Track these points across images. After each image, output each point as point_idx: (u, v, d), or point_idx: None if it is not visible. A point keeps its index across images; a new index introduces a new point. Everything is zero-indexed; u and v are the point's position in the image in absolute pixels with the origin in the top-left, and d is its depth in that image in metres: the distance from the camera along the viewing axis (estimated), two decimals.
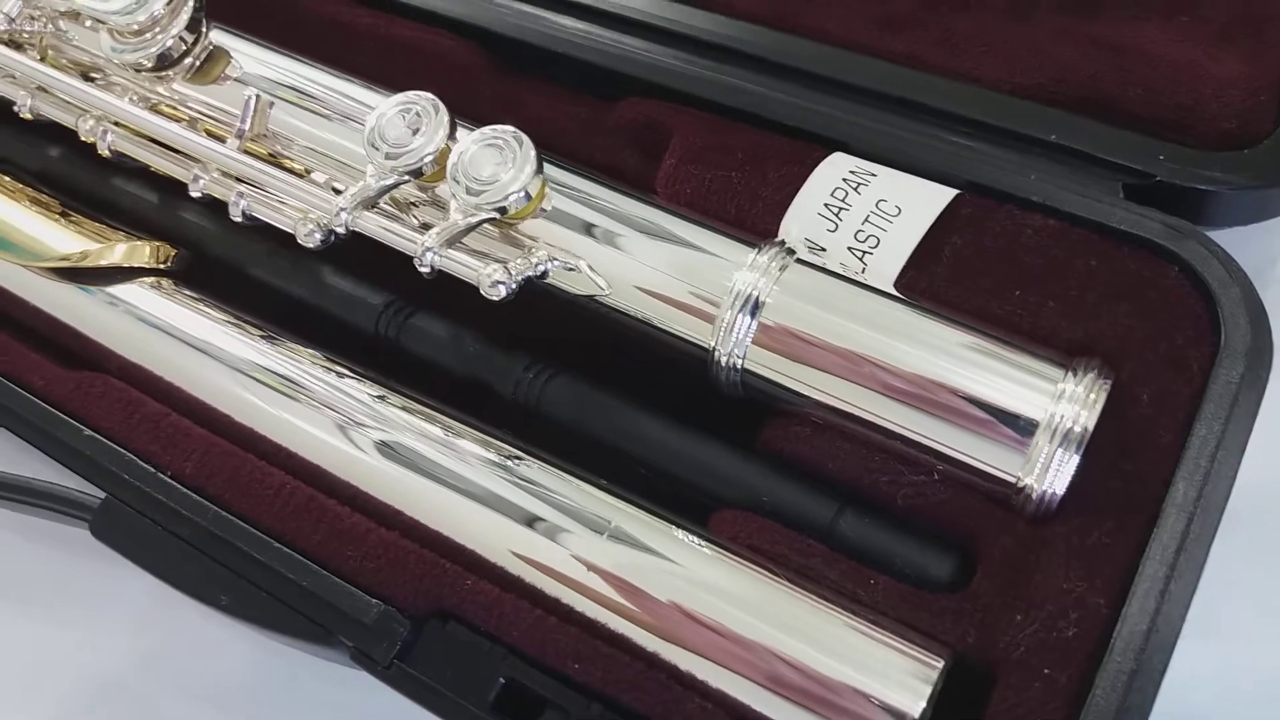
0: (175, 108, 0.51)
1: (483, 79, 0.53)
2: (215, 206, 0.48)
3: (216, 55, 0.51)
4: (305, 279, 0.49)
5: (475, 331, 0.46)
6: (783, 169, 0.44)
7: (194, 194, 0.48)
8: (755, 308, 0.39)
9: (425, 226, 0.44)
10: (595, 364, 0.44)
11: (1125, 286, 0.41)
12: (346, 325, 0.48)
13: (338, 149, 0.48)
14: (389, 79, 0.49)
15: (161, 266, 0.50)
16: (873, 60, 0.47)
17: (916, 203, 0.42)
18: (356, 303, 0.48)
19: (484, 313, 0.43)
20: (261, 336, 0.48)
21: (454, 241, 0.42)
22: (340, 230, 0.44)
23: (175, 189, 0.51)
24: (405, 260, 0.42)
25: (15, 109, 0.53)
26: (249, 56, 0.51)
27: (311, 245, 0.45)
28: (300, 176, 0.47)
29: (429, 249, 0.42)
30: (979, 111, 0.46)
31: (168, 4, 0.49)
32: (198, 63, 0.50)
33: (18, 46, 0.54)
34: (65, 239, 0.51)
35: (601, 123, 0.50)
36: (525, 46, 0.51)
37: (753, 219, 0.44)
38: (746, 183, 0.44)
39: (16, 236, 0.51)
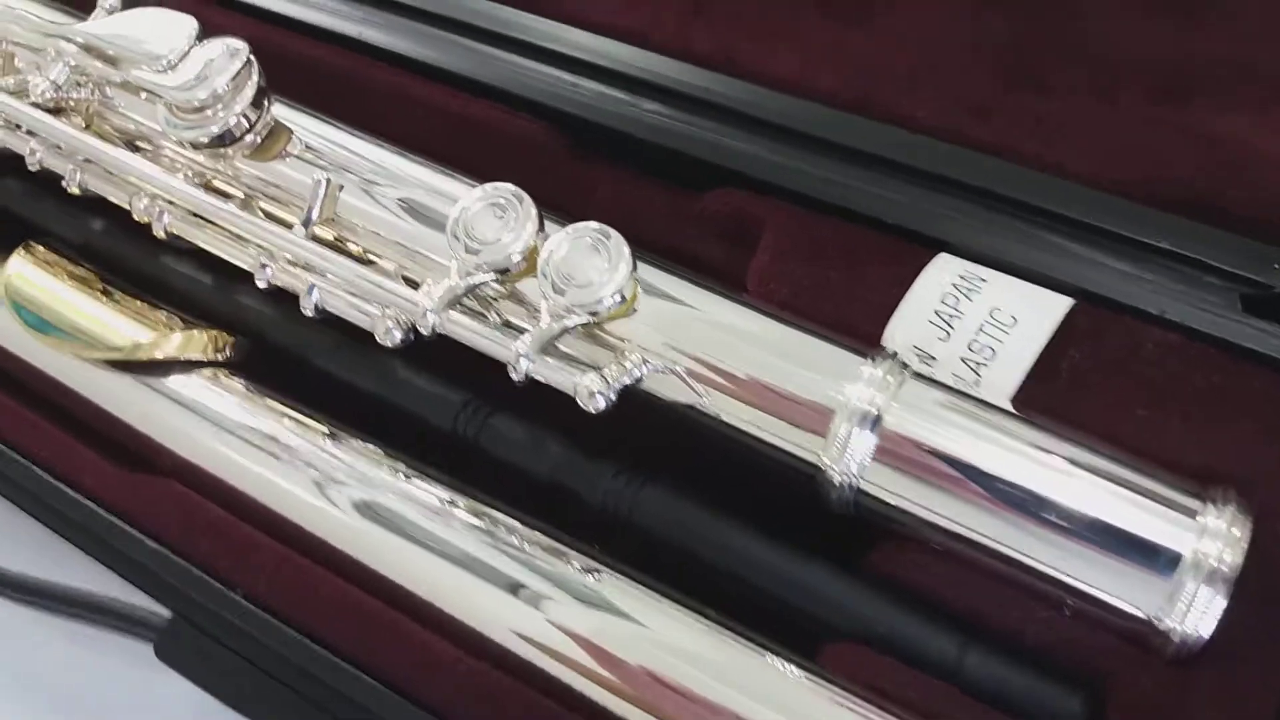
0: (233, 185, 0.48)
1: (555, 161, 0.51)
2: (276, 291, 0.45)
3: (278, 131, 0.48)
4: (375, 373, 0.47)
5: (559, 434, 0.43)
6: (883, 269, 0.43)
7: (260, 284, 0.46)
8: (873, 424, 0.37)
9: (507, 324, 0.42)
10: (689, 472, 0.42)
11: (1251, 405, 0.39)
12: (420, 423, 0.45)
13: (409, 237, 0.45)
14: (458, 158, 0.47)
15: (220, 358, 0.47)
16: (969, 152, 0.45)
17: (1032, 312, 0.40)
18: (432, 400, 0.45)
19: (568, 414, 0.41)
20: (329, 435, 0.45)
21: (548, 347, 0.40)
22: (425, 332, 0.42)
23: (230, 270, 0.48)
24: (479, 355, 0.40)
25: (64, 183, 0.50)
26: (312, 133, 0.48)
27: (390, 344, 0.43)
28: (366, 264, 0.45)
29: (523, 356, 0.40)
30: (1083, 211, 0.44)
31: (231, 80, 0.46)
32: (259, 139, 0.47)
33: (62, 114, 0.51)
34: (116, 325, 0.48)
35: (685, 212, 0.48)
36: (604, 131, 0.49)
37: (852, 322, 0.42)
38: (844, 283, 0.43)
39: (64, 321, 0.49)
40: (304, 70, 0.48)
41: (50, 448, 0.47)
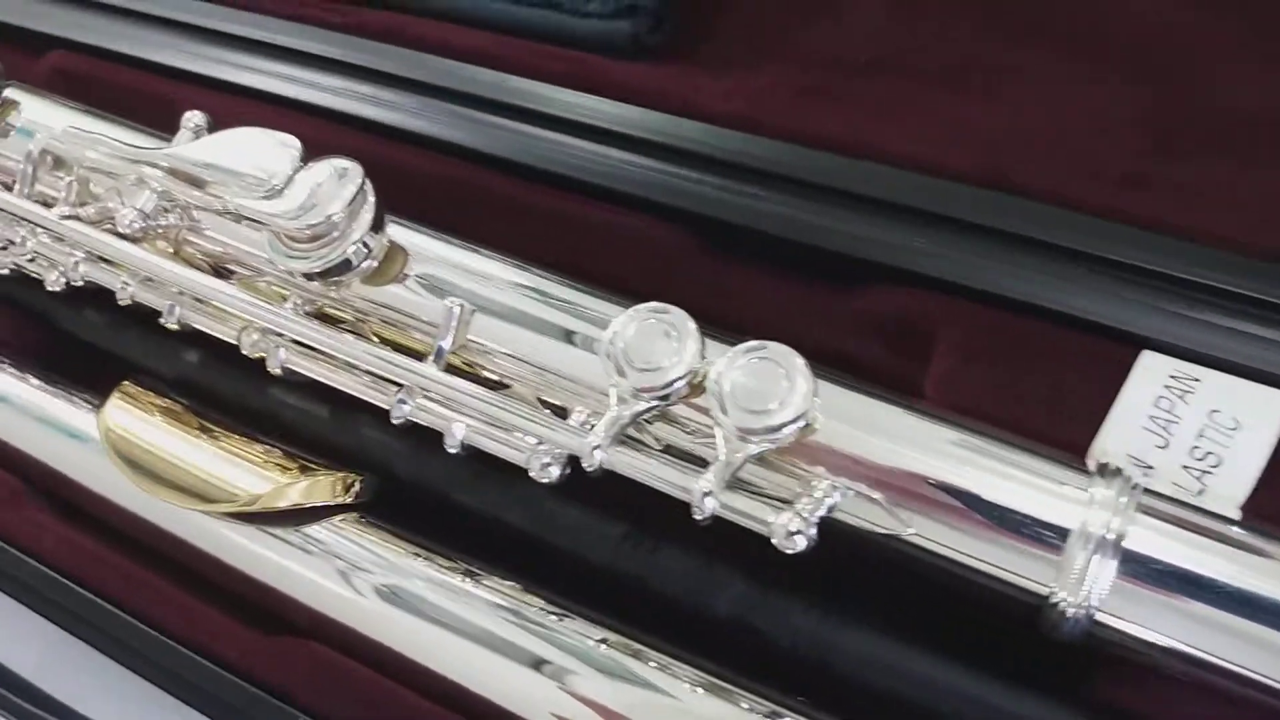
0: (345, 311, 0.45)
1: (684, 263, 0.48)
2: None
3: (394, 251, 0.45)
4: (522, 505, 0.43)
5: (739, 567, 0.40)
6: (1079, 370, 0.40)
7: (396, 420, 0.42)
8: (1113, 550, 0.34)
9: (680, 456, 0.39)
10: (887, 606, 0.39)
11: None
12: (575, 558, 0.42)
13: (551, 362, 0.42)
14: (582, 267, 0.44)
15: (348, 500, 0.44)
16: (1152, 235, 0.42)
17: (1254, 412, 0.38)
18: (586, 533, 0.42)
19: (740, 541, 0.37)
20: (477, 578, 0.42)
21: (732, 482, 0.37)
22: (590, 468, 0.38)
23: (344, 399, 0.45)
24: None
25: (161, 320, 0.47)
26: (430, 252, 0.45)
27: (547, 481, 0.40)
28: (509, 394, 0.41)
29: (708, 495, 0.36)
30: None
31: (347, 205, 0.43)
32: (376, 263, 0.44)
33: (144, 242, 0.48)
34: (233, 474, 0.45)
35: (838, 312, 0.45)
36: (733, 228, 0.46)
37: (1054, 432, 0.39)
38: (1040, 388, 0.40)
39: (175, 471, 0.45)
40: (407, 181, 0.45)
41: (175, 612, 0.44)
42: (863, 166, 0.47)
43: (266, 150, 0.45)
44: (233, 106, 0.58)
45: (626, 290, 0.43)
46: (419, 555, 0.43)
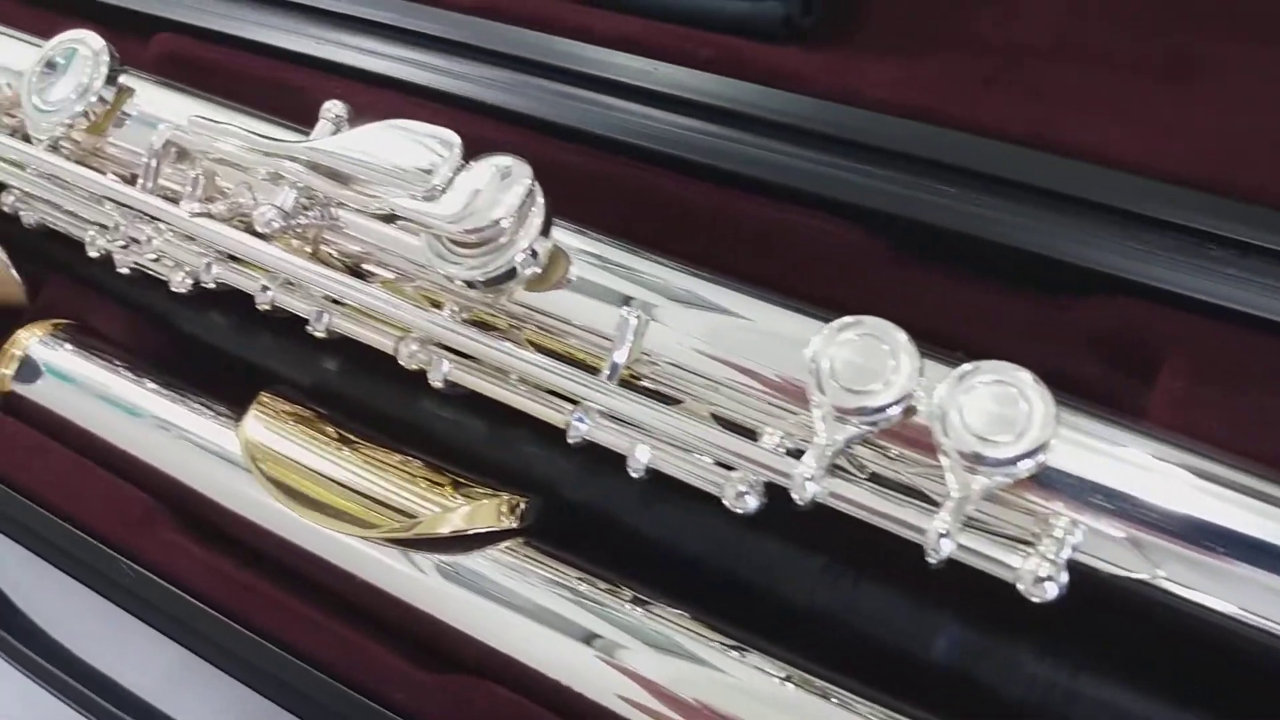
0: (503, 319, 0.42)
1: (871, 266, 0.44)
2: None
3: (556, 255, 0.41)
4: (704, 532, 0.40)
5: (953, 607, 0.37)
6: None
7: (573, 440, 0.39)
8: None
9: (874, 479, 0.35)
10: (1132, 656, 0.35)
11: None
12: (768, 593, 0.39)
13: (730, 376, 0.38)
14: (763, 273, 0.41)
15: (514, 524, 0.41)
16: None
17: None
18: (780, 564, 0.39)
19: (956, 580, 0.34)
20: (655, 611, 0.39)
21: (968, 522, 0.33)
22: (800, 501, 0.35)
23: (501, 413, 0.42)
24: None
25: (308, 328, 0.44)
26: (597, 256, 0.42)
27: (742, 511, 0.36)
28: (690, 414, 0.38)
29: (944, 536, 0.33)
30: None
31: (517, 208, 0.39)
32: (540, 269, 0.41)
33: (282, 243, 0.45)
34: (389, 495, 0.42)
35: (1047, 324, 0.41)
36: (934, 232, 0.43)
37: None
38: None
39: (326, 492, 0.42)
40: (557, 178, 0.41)
41: (337, 649, 0.41)
42: (1065, 164, 0.44)
43: (422, 146, 0.42)
44: (353, 93, 0.54)
45: (804, 296, 0.39)
46: (592, 584, 0.40)
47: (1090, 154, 0.44)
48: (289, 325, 0.47)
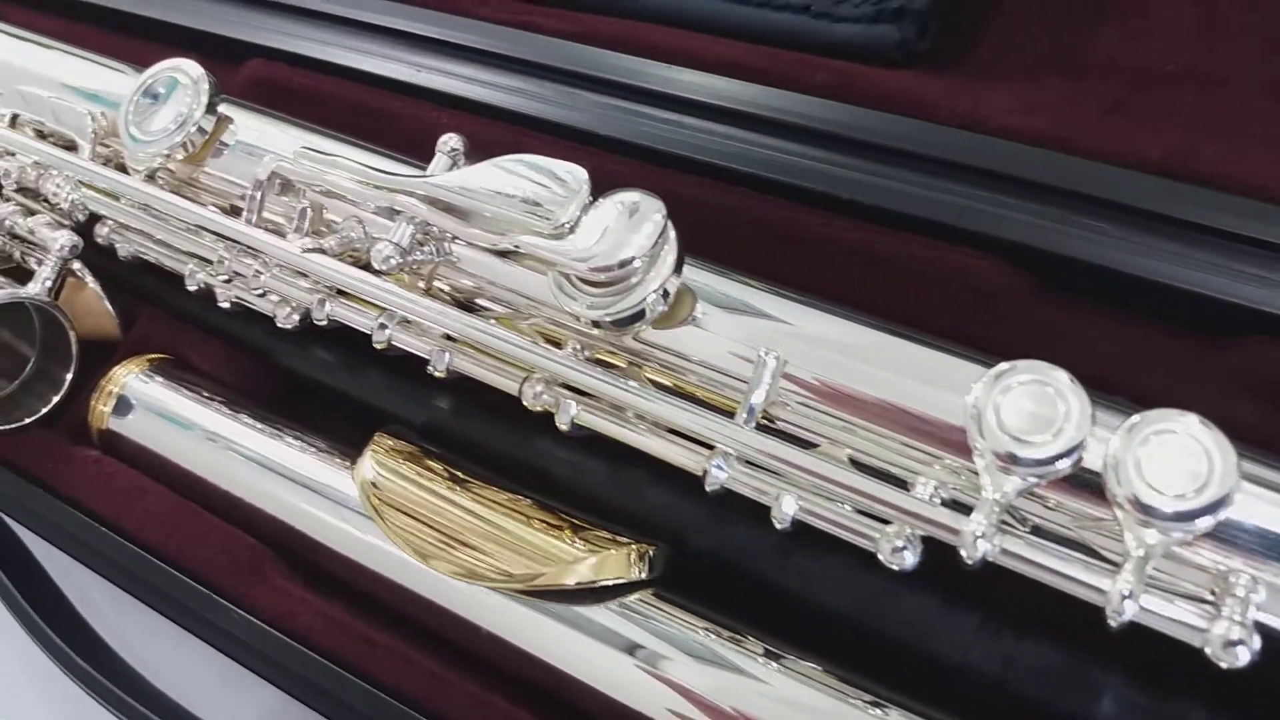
0: (622, 357, 0.40)
1: (1014, 303, 0.43)
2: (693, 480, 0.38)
3: (681, 291, 0.40)
4: (848, 584, 0.38)
5: (1118, 668, 0.35)
6: None
7: (711, 488, 0.38)
8: None
9: (1036, 531, 0.34)
10: None
11: None
12: (918, 652, 0.37)
13: (873, 420, 0.37)
14: (896, 307, 0.40)
15: (642, 575, 0.39)
16: None
17: None
18: (931, 621, 0.37)
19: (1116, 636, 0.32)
20: (809, 676, 0.37)
21: (1147, 582, 0.32)
22: (970, 560, 0.33)
23: (627, 455, 0.40)
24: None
25: (429, 369, 0.43)
26: (720, 293, 0.40)
27: (897, 567, 0.35)
28: (836, 461, 0.37)
29: (1127, 597, 0.31)
30: None
31: (650, 246, 0.38)
32: (667, 307, 0.39)
33: (395, 280, 0.43)
34: (512, 542, 0.40)
35: (1206, 367, 0.39)
36: (1084, 268, 0.41)
37: None
38: None
39: (447, 538, 0.41)
40: (682, 211, 0.40)
41: (459, 702, 0.39)
42: (1211, 195, 0.42)
43: (548, 182, 0.41)
44: (457, 123, 0.54)
45: (943, 333, 0.38)
46: (725, 637, 0.39)
47: (1234, 184, 0.43)
48: (394, 362, 0.46)
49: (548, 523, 0.41)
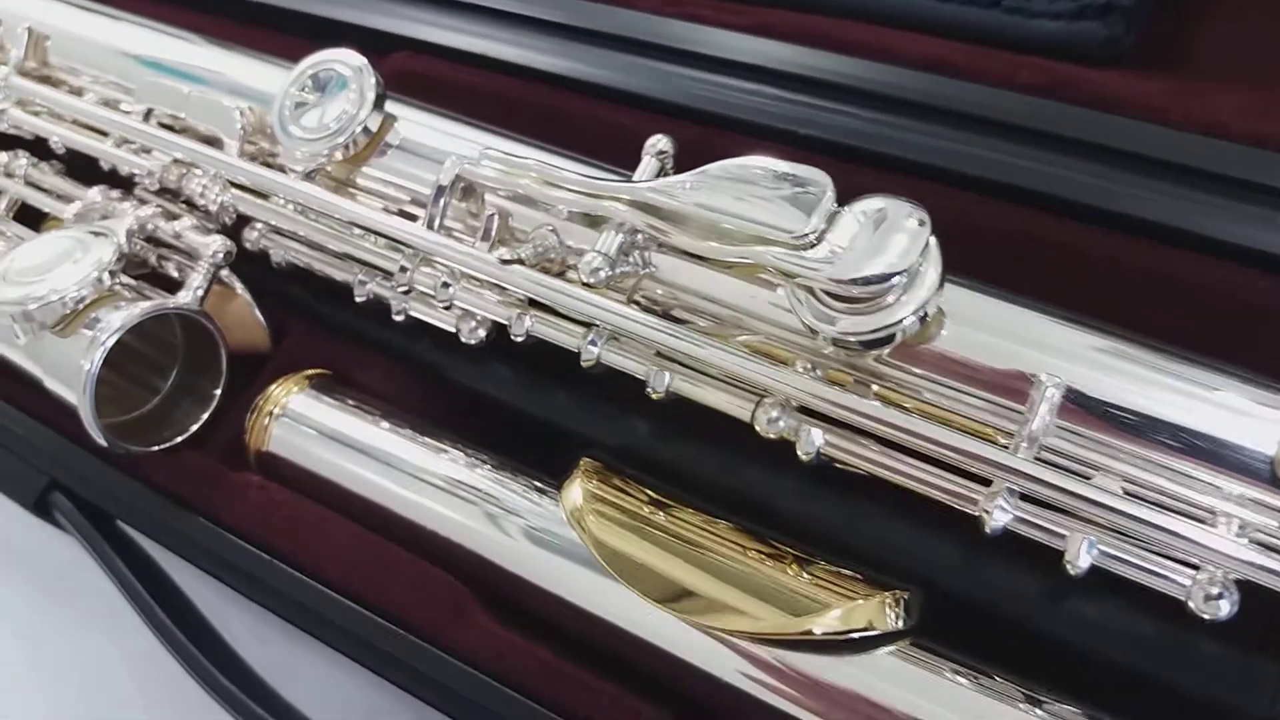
0: (880, 387, 0.37)
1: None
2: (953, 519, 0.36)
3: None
4: (1128, 632, 0.35)
5: None
6: None
7: (991, 530, 0.34)
8: None
9: None
10: None
11: None
12: (1212, 703, 0.34)
13: (1158, 452, 0.34)
14: (1154, 321, 0.37)
15: (896, 625, 0.36)
16: None
17: None
18: (1232, 672, 0.34)
19: None
20: None
21: None
22: None
23: (854, 486, 0.38)
24: None
25: (648, 390, 0.39)
26: (978, 312, 0.37)
27: (1210, 616, 0.32)
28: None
29: None
30: None
31: (915, 261, 0.35)
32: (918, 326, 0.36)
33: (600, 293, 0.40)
34: (742, 582, 0.37)
35: None
36: None
37: None
38: None
39: (673, 577, 0.38)
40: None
41: None
42: None
43: (786, 187, 0.37)
44: (628, 120, 0.50)
45: (1218, 355, 0.35)
46: (993, 688, 0.35)
47: None
48: (579, 379, 0.42)
49: (785, 564, 0.38)
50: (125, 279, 0.47)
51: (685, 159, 0.41)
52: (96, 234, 0.47)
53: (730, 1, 0.53)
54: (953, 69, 0.48)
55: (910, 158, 0.46)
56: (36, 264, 0.46)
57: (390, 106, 0.47)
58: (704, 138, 0.49)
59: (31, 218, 0.56)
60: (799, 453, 0.37)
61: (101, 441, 0.44)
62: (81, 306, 0.45)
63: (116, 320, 0.43)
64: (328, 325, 0.49)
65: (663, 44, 0.52)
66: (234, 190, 0.48)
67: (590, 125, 0.50)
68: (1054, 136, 0.45)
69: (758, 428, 0.38)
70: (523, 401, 0.44)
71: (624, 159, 0.44)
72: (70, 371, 0.44)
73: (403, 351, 0.48)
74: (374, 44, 0.55)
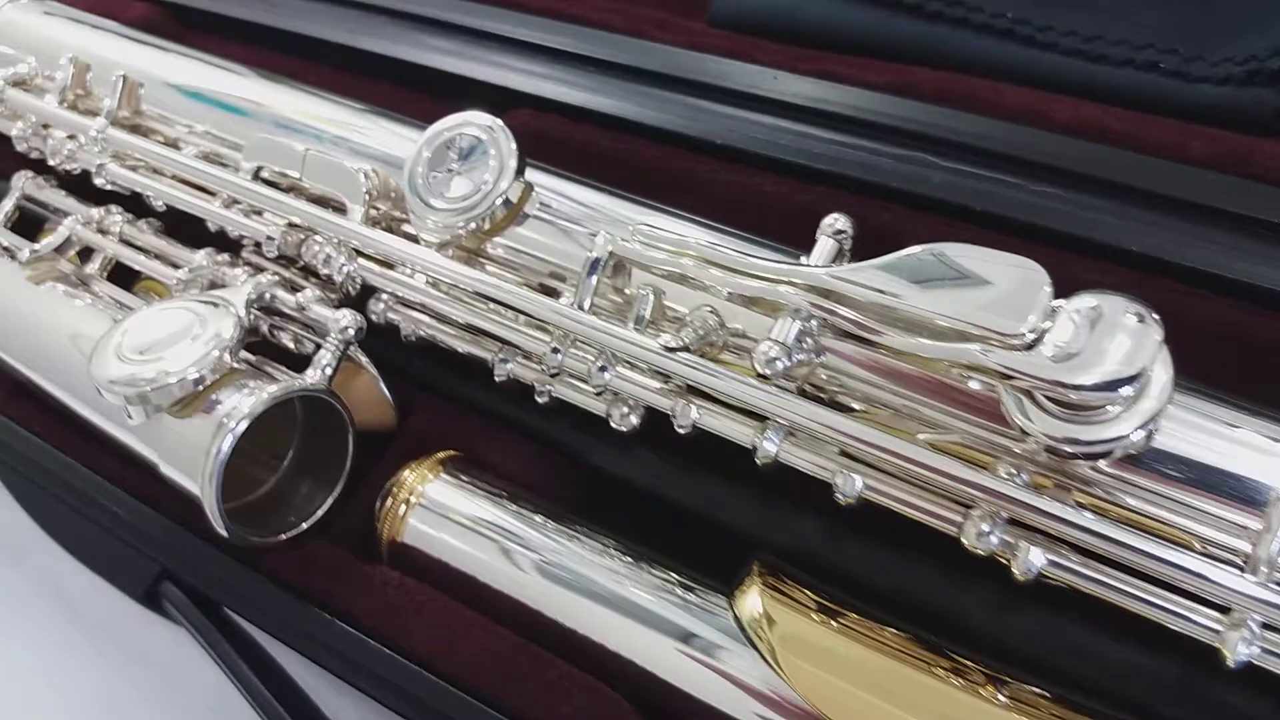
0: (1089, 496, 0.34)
1: None
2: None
3: None
4: None
5: None
6: None
7: (1234, 663, 0.31)
8: None
9: None
10: None
11: None
12: None
13: None
14: None
15: None
16: None
17: None
18: None
19: None
20: None
21: None
22: None
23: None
24: None
25: (837, 494, 0.36)
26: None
27: None
28: None
29: None
30: None
31: (1149, 365, 0.31)
32: None
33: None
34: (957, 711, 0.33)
35: None
36: None
37: None
38: None
39: (871, 709, 0.34)
40: None
41: None
42: None
43: (997, 279, 0.34)
44: (775, 188, 0.47)
45: None
46: None
47: None
48: (740, 470, 0.38)
49: (1003, 693, 0.34)
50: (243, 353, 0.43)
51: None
52: (214, 305, 0.43)
53: (867, 57, 0.50)
54: (1112, 137, 0.45)
55: (1075, 232, 0.43)
56: (151, 340, 0.42)
57: (533, 174, 0.43)
58: (847, 205, 0.45)
59: (122, 275, 0.53)
60: (1014, 572, 0.34)
61: (223, 533, 0.40)
62: (201, 389, 0.41)
63: (245, 406, 0.40)
64: (454, 400, 0.46)
65: (794, 102, 0.49)
66: (362, 260, 0.45)
67: (728, 191, 0.47)
68: (1229, 214, 0.42)
69: (966, 542, 0.34)
70: (673, 491, 0.41)
71: (764, 228, 0.41)
72: (191, 458, 0.40)
73: (538, 431, 0.44)
74: (495, 100, 0.52)
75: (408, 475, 0.43)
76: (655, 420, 0.41)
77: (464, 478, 0.43)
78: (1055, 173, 0.45)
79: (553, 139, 0.51)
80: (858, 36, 0.52)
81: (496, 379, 0.43)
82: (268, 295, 0.45)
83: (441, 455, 0.44)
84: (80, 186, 0.57)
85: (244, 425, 0.40)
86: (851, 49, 0.52)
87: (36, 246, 0.52)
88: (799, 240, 0.40)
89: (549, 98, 0.52)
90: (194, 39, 0.61)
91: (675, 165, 0.49)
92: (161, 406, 0.42)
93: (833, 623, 0.36)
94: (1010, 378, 0.33)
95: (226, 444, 0.40)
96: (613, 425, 0.41)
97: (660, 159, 0.50)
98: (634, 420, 0.41)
